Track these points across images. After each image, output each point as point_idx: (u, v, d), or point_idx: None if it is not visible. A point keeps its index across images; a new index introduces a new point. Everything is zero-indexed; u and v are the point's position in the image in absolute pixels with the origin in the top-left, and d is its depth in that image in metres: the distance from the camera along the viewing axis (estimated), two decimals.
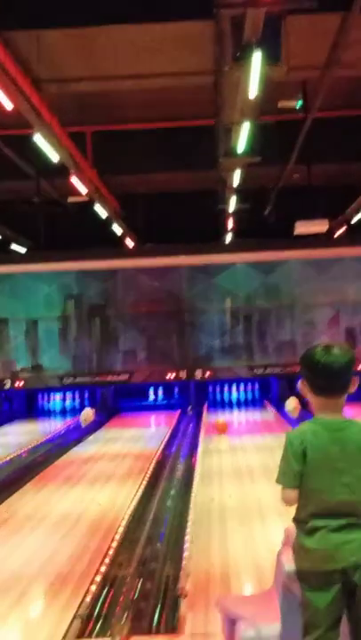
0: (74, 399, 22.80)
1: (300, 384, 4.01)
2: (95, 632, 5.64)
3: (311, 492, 3.78)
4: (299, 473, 3.77)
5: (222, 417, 18.86)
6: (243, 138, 14.88)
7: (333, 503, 3.76)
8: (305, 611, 3.80)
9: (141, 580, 6.75)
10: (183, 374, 21.75)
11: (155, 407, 22.82)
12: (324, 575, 3.72)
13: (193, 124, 18.59)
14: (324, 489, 3.77)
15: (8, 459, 14.25)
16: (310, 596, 3.76)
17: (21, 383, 21.92)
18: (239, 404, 22.60)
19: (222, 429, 16.80)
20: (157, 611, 6.01)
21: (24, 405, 22.73)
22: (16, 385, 21.92)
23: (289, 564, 4.07)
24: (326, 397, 3.86)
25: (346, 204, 22.16)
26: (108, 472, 12.61)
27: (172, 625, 5.70)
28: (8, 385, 21.84)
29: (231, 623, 4.52)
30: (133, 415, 21.81)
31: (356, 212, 21.88)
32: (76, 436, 17.36)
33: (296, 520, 3.87)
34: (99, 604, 6.19)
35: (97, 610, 6.06)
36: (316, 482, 3.78)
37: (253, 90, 11.79)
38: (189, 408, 21.39)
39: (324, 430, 3.82)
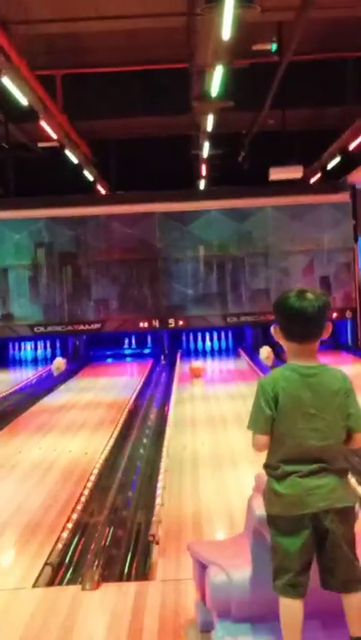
0: (45, 348, 22.82)
1: (272, 329, 4.01)
2: (66, 579, 5.70)
3: (282, 437, 3.81)
4: (270, 418, 3.80)
5: (197, 362, 18.94)
6: (216, 81, 14.78)
7: (304, 448, 3.79)
8: (275, 555, 3.85)
9: (113, 527, 6.80)
10: (156, 323, 21.79)
11: (127, 356, 22.90)
12: (295, 520, 3.77)
13: (166, 68, 18.43)
14: (295, 434, 3.80)
15: None
16: (280, 541, 3.82)
17: None
18: (213, 353, 22.68)
19: (197, 373, 16.88)
20: (128, 558, 6.07)
21: None
22: None
23: (260, 509, 4.11)
24: (299, 343, 3.88)
25: (321, 149, 22.15)
26: (79, 421, 12.63)
27: (144, 572, 5.75)
28: None
29: (202, 568, 4.56)
30: (106, 364, 21.88)
31: (332, 158, 21.87)
32: (48, 385, 17.37)
33: (267, 466, 3.91)
34: (70, 551, 6.25)
35: (68, 557, 6.12)
36: (288, 427, 3.82)
37: (227, 32, 11.70)
38: (162, 357, 21.48)
39: (297, 375, 3.84)
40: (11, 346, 22.96)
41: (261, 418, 3.83)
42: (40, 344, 22.93)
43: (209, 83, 15.12)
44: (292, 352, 3.91)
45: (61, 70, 18.07)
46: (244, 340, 22.68)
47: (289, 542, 3.79)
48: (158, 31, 15.68)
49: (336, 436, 3.85)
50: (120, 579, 5.67)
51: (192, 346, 22.95)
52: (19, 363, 22.59)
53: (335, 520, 3.80)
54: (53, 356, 21.23)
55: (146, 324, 21.98)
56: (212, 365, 20.62)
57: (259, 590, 4.14)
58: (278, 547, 3.84)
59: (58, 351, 22.27)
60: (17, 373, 20.61)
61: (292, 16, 14.06)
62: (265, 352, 19.36)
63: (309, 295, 3.87)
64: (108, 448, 10.04)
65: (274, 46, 16.35)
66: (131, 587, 5.50)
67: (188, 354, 22.03)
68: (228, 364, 20.77)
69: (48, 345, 22.84)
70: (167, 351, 22.12)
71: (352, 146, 19.95)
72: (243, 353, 21.45)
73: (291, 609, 3.81)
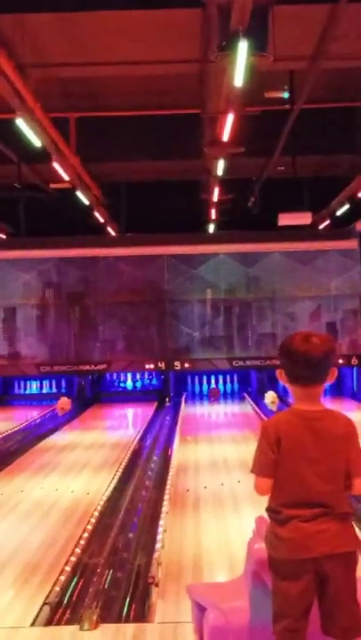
0: (51, 387, 22.81)
1: (278, 372, 4.01)
2: (64, 619, 5.68)
3: (285, 481, 3.79)
4: (273, 462, 3.77)
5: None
6: (228, 127, 14.92)
7: (307, 492, 3.77)
8: (275, 599, 3.82)
9: (113, 568, 6.80)
10: (162, 365, 21.79)
11: (133, 398, 22.87)
12: (296, 564, 3.73)
13: (178, 113, 18.62)
14: (297, 478, 3.77)
15: None
16: (281, 585, 3.78)
17: None
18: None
19: (215, 395, 16.96)
20: (128, 599, 6.06)
21: (0, 393, 22.74)
22: None
23: (259, 552, 4.13)
24: (303, 387, 3.86)
25: (331, 196, 22.27)
26: (83, 461, 12.62)
27: (143, 613, 5.74)
28: None
29: (201, 610, 4.57)
30: (111, 405, 21.86)
31: (341, 205, 22.00)
32: (53, 424, 17.40)
33: (269, 509, 3.89)
34: (69, 591, 6.24)
35: (67, 597, 6.11)
36: (290, 471, 3.79)
37: (239, 79, 11.84)
38: (167, 399, 21.46)
39: (300, 420, 3.82)
40: (16, 384, 23.00)
41: (265, 461, 3.80)
42: (46, 383, 22.95)
43: (220, 129, 15.28)
44: (297, 396, 3.90)
45: (75, 113, 18.24)
46: (249, 384, 22.67)
47: (290, 586, 3.76)
48: (172, 77, 15.84)
49: (339, 480, 3.83)
50: (119, 620, 5.64)
51: (197, 388, 22.92)
52: (24, 401, 22.58)
53: (337, 565, 3.77)
54: (59, 396, 21.23)
55: (152, 366, 22.00)
56: (217, 409, 20.60)
57: (257, 634, 4.14)
58: (278, 591, 3.80)
59: (63, 390, 22.27)
60: (22, 412, 20.61)
61: (304, 65, 14.25)
62: (270, 397, 19.34)
63: (315, 339, 3.84)
64: (111, 489, 10.06)
65: (286, 94, 16.52)
66: (129, 628, 5.47)
67: (193, 396, 22.03)
68: (233, 409, 20.74)
69: (54, 384, 22.86)
70: (172, 393, 22.09)
71: None
72: (248, 397, 21.43)
73: None
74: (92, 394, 22.51)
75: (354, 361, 21.83)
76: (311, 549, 3.73)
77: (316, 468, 3.78)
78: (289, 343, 3.88)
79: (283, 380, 3.96)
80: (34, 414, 19.42)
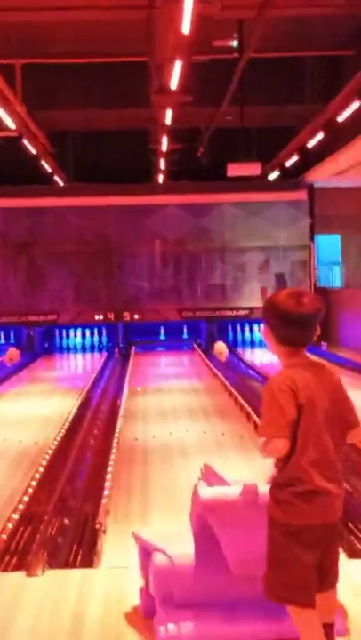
0: None
1: (263, 332, 3.84)
2: (11, 566, 5.71)
3: (305, 441, 3.54)
4: (293, 420, 3.50)
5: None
6: (175, 75, 14.80)
7: (326, 456, 3.58)
8: (290, 570, 3.58)
9: (60, 516, 6.82)
10: (111, 316, 21.82)
11: (83, 348, 22.87)
12: (324, 529, 3.56)
13: (126, 61, 18.44)
14: (317, 437, 3.56)
15: None
16: (301, 554, 3.55)
17: None
18: (167, 346, 22.69)
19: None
20: (75, 546, 6.10)
21: None
22: None
23: (204, 495, 4.18)
24: (294, 347, 3.69)
25: (280, 147, 22.25)
26: (31, 411, 12.66)
27: (90, 559, 5.78)
28: None
29: (147, 555, 4.61)
30: (61, 356, 21.85)
31: (290, 156, 21.97)
32: (1, 375, 17.35)
33: (285, 474, 3.59)
34: (15, 539, 6.27)
35: (13, 545, 6.13)
36: (310, 429, 3.55)
37: (186, 26, 11.71)
38: (116, 350, 21.50)
39: (309, 372, 3.64)
40: None
41: (281, 420, 3.48)
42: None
43: (168, 77, 15.13)
44: (286, 355, 3.70)
45: (21, 60, 17.99)
46: (199, 334, 22.75)
47: (309, 555, 3.54)
48: (119, 24, 15.67)
49: (343, 441, 3.69)
50: (66, 566, 5.69)
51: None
52: None
53: (338, 527, 3.72)
54: (7, 347, 21.14)
55: (101, 317, 22.01)
56: (165, 359, 20.66)
57: (201, 576, 4.20)
58: (295, 561, 3.56)
59: (12, 341, 22.20)
60: None
61: (252, 14, 14.11)
62: (218, 347, 19.49)
63: (306, 300, 3.63)
64: (59, 438, 10.09)
65: (235, 43, 16.40)
66: (76, 573, 5.52)
67: (143, 346, 22.10)
68: (183, 358, 20.83)
69: (2, 335, 22.80)
70: (122, 344, 22.13)
71: (310, 144, 20.06)
72: (197, 347, 21.54)
73: (314, 620, 3.61)
74: (41, 346, 22.45)
75: None
76: (336, 512, 3.60)
77: (328, 421, 3.58)
78: (279, 304, 3.66)
79: (269, 341, 3.75)
80: None
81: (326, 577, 3.64)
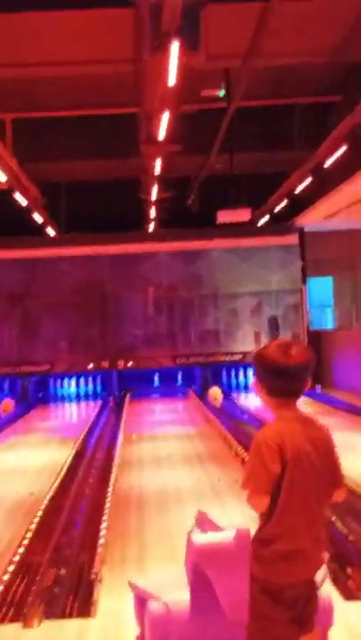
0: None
1: (253, 383, 3.77)
2: (7, 619, 5.68)
3: (288, 500, 3.46)
4: (276, 477, 3.44)
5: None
6: (163, 126, 14.98)
7: (309, 514, 3.51)
8: (271, 624, 3.50)
9: (56, 566, 6.79)
10: (105, 364, 21.84)
11: (77, 397, 22.85)
12: (304, 585, 3.51)
13: (115, 112, 18.61)
14: (302, 497, 3.48)
15: None
16: (281, 611, 3.49)
17: None
18: (162, 393, 22.65)
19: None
20: (71, 596, 6.08)
21: None
22: None
23: (198, 542, 4.20)
24: (284, 398, 3.62)
25: (269, 193, 22.40)
26: (27, 461, 12.63)
27: (86, 609, 5.76)
28: None
29: (142, 603, 4.59)
30: (55, 405, 21.83)
31: (279, 202, 22.16)
32: None
33: (261, 540, 3.54)
34: (11, 590, 6.25)
35: (10, 597, 6.12)
36: (295, 487, 3.47)
37: (172, 78, 11.89)
38: (111, 398, 21.48)
39: (299, 427, 3.57)
40: None
41: (263, 476, 3.43)
42: None
43: (156, 127, 15.30)
44: (276, 407, 3.63)
45: (11, 114, 18.16)
46: (193, 380, 22.76)
47: (286, 613, 3.48)
48: (108, 76, 15.84)
49: (330, 495, 3.63)
50: (62, 616, 5.66)
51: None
52: None
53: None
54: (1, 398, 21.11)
55: (92, 366, 22.05)
56: (160, 406, 20.64)
57: (197, 623, 4.21)
58: (273, 619, 3.49)
59: (6, 392, 22.10)
60: None
61: (238, 63, 14.27)
62: (213, 393, 19.51)
63: (295, 351, 3.54)
64: (54, 488, 10.08)
65: (222, 92, 16.53)
66: (72, 623, 5.51)
67: (138, 394, 22.08)
68: (177, 404, 20.81)
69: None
70: (116, 392, 22.13)
71: (299, 189, 20.24)
72: (192, 393, 21.54)
73: None
74: (36, 396, 22.44)
75: None
76: (317, 568, 3.55)
77: (314, 478, 3.50)
78: (266, 356, 3.59)
79: (260, 393, 3.67)
80: None
81: (306, 623, 3.56)
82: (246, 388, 22.12)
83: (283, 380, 3.55)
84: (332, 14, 13.34)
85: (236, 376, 22.85)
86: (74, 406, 21.38)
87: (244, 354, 21.86)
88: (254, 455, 3.50)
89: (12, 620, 5.59)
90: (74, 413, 20.56)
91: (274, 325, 22.29)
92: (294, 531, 3.44)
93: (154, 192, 21.98)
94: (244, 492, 3.47)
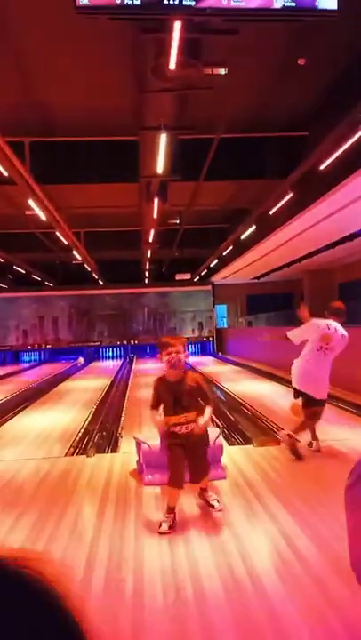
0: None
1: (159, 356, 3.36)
2: (77, 453, 5.38)
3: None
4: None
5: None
6: (152, 235, 14.47)
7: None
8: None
9: (101, 432, 6.28)
10: (125, 342, 21.37)
11: (112, 357, 22.00)
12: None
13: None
14: None
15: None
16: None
17: None
18: (150, 356, 21.70)
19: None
20: (109, 445, 5.67)
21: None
22: None
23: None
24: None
25: (199, 266, 22.11)
26: (90, 384, 11.83)
27: (115, 449, 5.42)
28: None
29: (139, 445, 4.53)
30: (102, 361, 21.02)
31: (202, 270, 21.96)
32: (77, 368, 16.54)
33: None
34: (80, 445, 5.81)
35: (82, 444, 5.74)
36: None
37: (155, 214, 11.61)
38: (127, 358, 20.91)
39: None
40: None
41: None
42: None
43: (149, 236, 14.79)
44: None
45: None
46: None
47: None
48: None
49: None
50: (104, 452, 5.39)
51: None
52: None
53: None
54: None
55: (118, 342, 21.83)
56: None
57: (163, 454, 4.18)
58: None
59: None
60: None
61: (184, 207, 13.53)
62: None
63: (175, 338, 3.35)
64: (102, 395, 9.51)
65: (178, 221, 15.91)
66: (108, 455, 5.28)
67: (140, 357, 21.56)
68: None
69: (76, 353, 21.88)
70: (130, 355, 21.71)
71: (212, 264, 20.13)
72: None
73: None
74: (93, 356, 21.79)
75: (210, 338, 22.08)
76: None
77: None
78: (164, 339, 3.37)
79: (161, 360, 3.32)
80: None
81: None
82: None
83: (171, 350, 3.28)
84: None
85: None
86: (110, 361, 21.14)
87: (187, 338, 21.85)
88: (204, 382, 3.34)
89: (80, 454, 5.35)
90: (110, 364, 20.30)
91: (200, 326, 22.12)
92: None
93: (147, 265, 21.80)
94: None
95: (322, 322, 4.89)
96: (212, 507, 3.45)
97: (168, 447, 3.35)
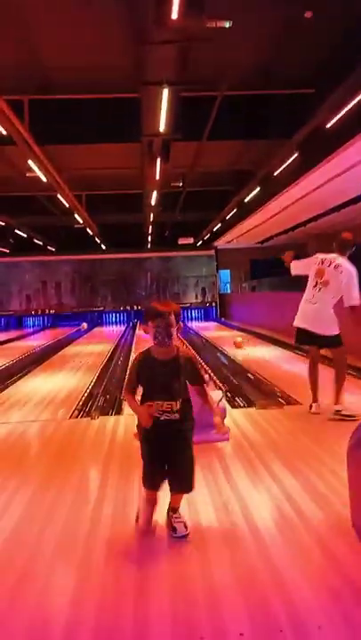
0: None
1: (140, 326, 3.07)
2: (82, 415, 5.37)
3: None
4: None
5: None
6: (155, 198, 14.39)
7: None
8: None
9: (105, 395, 6.26)
10: (128, 307, 21.35)
11: (115, 322, 21.93)
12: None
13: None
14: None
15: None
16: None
17: None
18: None
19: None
20: (111, 407, 5.72)
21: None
22: None
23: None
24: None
25: (202, 229, 21.96)
26: (95, 349, 11.77)
27: (119, 412, 5.45)
28: None
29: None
30: (106, 326, 21.06)
31: (207, 234, 21.83)
32: (80, 333, 16.48)
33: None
34: (82, 412, 5.73)
35: (87, 407, 5.76)
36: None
37: (158, 175, 11.47)
38: (130, 322, 20.97)
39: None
40: None
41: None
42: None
43: (150, 199, 14.67)
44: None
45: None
46: None
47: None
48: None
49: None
50: (108, 414, 5.37)
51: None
52: None
53: None
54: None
55: (122, 308, 21.78)
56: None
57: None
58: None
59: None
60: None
61: (188, 169, 13.52)
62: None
63: (167, 304, 2.51)
64: (106, 359, 9.46)
65: (181, 182, 15.32)
66: (112, 417, 5.27)
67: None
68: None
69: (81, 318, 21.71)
70: (133, 320, 21.69)
71: (215, 228, 20.00)
72: None
73: None
74: (97, 321, 21.79)
75: (213, 304, 22.13)
76: None
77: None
78: (153, 305, 2.51)
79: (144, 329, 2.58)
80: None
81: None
82: (189, 320, 21.78)
83: (160, 320, 2.45)
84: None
85: (186, 314, 22.65)
86: (114, 326, 21.18)
87: (191, 303, 21.87)
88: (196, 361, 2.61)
89: (85, 417, 5.33)
90: (114, 329, 20.35)
91: (203, 292, 22.07)
92: None
93: (150, 228, 21.61)
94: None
95: (320, 256, 4.76)
96: (174, 530, 2.58)
97: (142, 440, 2.63)
